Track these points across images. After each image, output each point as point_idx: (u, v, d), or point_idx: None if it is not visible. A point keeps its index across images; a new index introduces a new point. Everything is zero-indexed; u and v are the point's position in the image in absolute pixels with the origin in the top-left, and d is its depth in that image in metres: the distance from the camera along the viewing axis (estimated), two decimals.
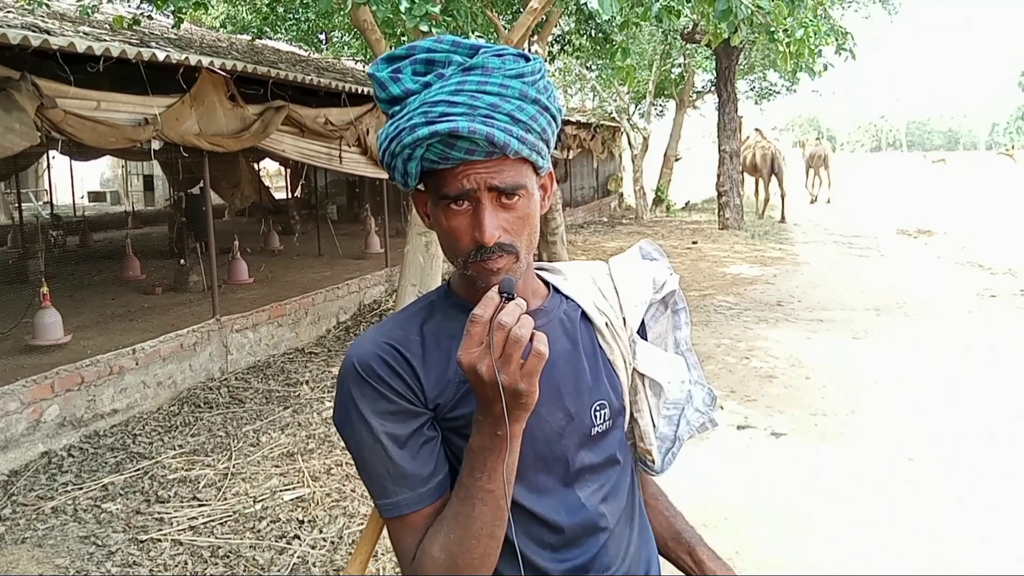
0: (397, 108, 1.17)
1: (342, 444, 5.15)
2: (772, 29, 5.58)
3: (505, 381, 1.04)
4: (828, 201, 22.19)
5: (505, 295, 1.07)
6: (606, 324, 1.35)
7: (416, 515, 1.18)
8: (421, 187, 1.23)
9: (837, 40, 7.19)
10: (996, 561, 3.69)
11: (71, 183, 18.99)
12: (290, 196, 18.50)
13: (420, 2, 4.70)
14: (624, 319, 1.37)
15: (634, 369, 1.37)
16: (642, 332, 1.44)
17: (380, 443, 1.18)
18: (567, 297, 1.36)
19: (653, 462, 1.42)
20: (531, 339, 1.04)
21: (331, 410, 5.77)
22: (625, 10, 5.82)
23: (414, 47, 1.18)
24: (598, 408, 1.29)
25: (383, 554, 3.75)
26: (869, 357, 7.17)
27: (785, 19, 5.52)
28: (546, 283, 1.38)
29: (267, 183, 18.99)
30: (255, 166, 15.95)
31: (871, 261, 13.35)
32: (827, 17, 8.08)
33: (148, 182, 22.29)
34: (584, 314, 1.35)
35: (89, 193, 24.88)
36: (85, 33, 5.95)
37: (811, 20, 5.97)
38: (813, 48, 6.01)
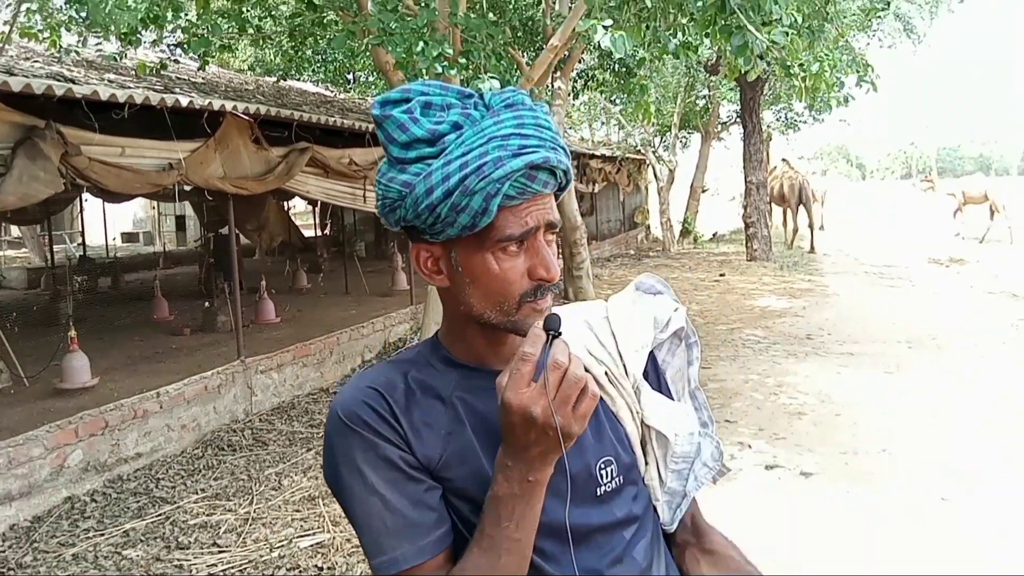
0: (428, 150, 1.10)
1: None
2: (788, 64, 5.56)
3: (561, 424, 0.99)
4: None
5: (551, 332, 1.03)
6: (605, 373, 1.28)
7: (419, 568, 1.10)
8: (427, 238, 1.15)
9: (858, 72, 7.15)
10: None
11: (104, 224, 19.26)
12: (318, 234, 18.65)
13: (435, 43, 4.73)
14: (624, 366, 1.30)
15: (641, 420, 1.30)
16: (657, 373, 1.37)
17: (375, 493, 1.11)
18: None
19: (660, 517, 1.33)
20: None
21: None
22: (641, 48, 5.82)
23: (408, 90, 1.14)
24: (603, 466, 1.22)
25: None
26: (901, 392, 7.03)
27: (800, 54, 5.50)
28: None
29: (297, 222, 19.16)
30: (284, 205, 16.09)
31: (902, 292, 13.16)
32: (848, 49, 8.05)
33: (180, 222, 22.54)
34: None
35: (122, 234, 25.26)
36: (110, 80, 6.05)
37: (826, 55, 5.94)
38: (830, 82, 5.98)
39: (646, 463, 1.32)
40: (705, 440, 1.35)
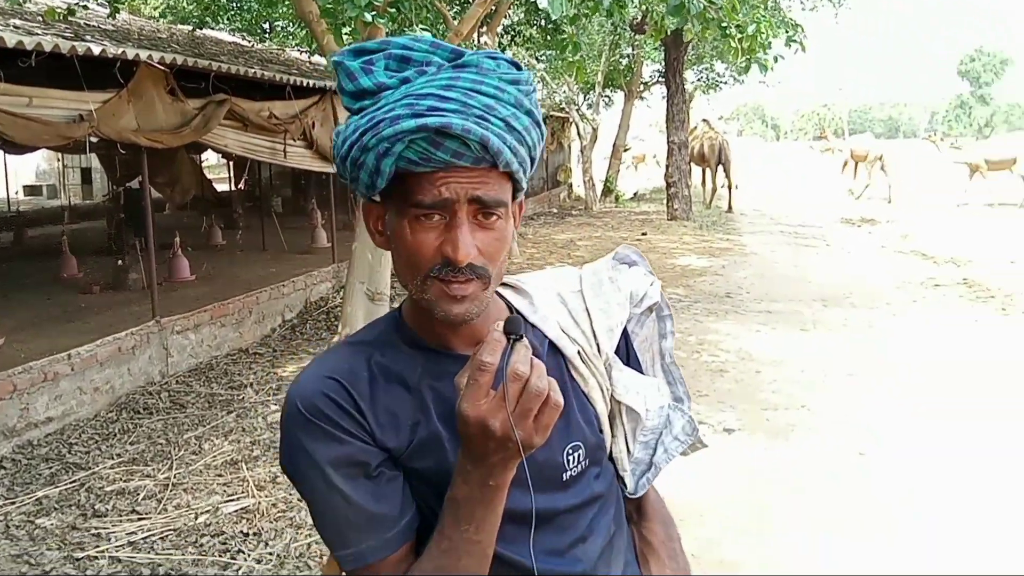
0: (368, 102, 1.05)
1: None
2: (724, 24, 5.55)
3: (521, 437, 0.94)
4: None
5: (512, 336, 0.95)
6: (579, 353, 1.24)
7: (382, 564, 1.08)
8: (376, 197, 1.11)
9: (788, 32, 7.22)
10: (947, 553, 3.70)
11: (4, 177, 18.38)
12: (233, 189, 18.14)
13: None
14: (598, 345, 1.25)
15: (611, 396, 1.27)
16: (628, 345, 1.32)
17: (336, 488, 1.07)
18: (532, 325, 1.23)
19: (626, 486, 1.32)
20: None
21: (276, 414, 5.64)
22: (575, 3, 5.74)
23: (388, 42, 1.08)
24: (571, 451, 1.19)
25: None
26: (818, 349, 7.22)
27: (736, 14, 5.49)
28: (509, 306, 1.24)
29: (209, 176, 18.60)
30: (196, 159, 15.60)
31: (817, 251, 13.51)
32: (777, 10, 8.11)
33: (86, 175, 21.69)
34: (552, 343, 1.23)
35: (24, 187, 24.15)
36: (16, 27, 5.70)
37: (763, 15, 5.96)
38: (764, 43, 6.01)
39: (613, 436, 1.29)
40: (676, 413, 1.34)
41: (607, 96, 23.81)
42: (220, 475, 4.74)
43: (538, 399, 0.93)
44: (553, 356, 1.22)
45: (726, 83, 22.62)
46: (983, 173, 20.07)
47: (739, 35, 5.65)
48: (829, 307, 9.01)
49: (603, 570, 1.22)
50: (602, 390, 1.25)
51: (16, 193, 20.70)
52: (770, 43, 6.46)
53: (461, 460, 1.01)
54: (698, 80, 22.95)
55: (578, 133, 21.56)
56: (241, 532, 4.05)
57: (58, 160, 21.87)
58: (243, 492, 4.49)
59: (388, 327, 1.20)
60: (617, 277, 1.33)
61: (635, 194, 25.00)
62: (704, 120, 20.67)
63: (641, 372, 1.32)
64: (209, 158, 20.28)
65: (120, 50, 5.76)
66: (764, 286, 10.30)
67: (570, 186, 25.44)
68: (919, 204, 20.42)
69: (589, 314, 1.27)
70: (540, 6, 4.65)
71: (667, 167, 17.46)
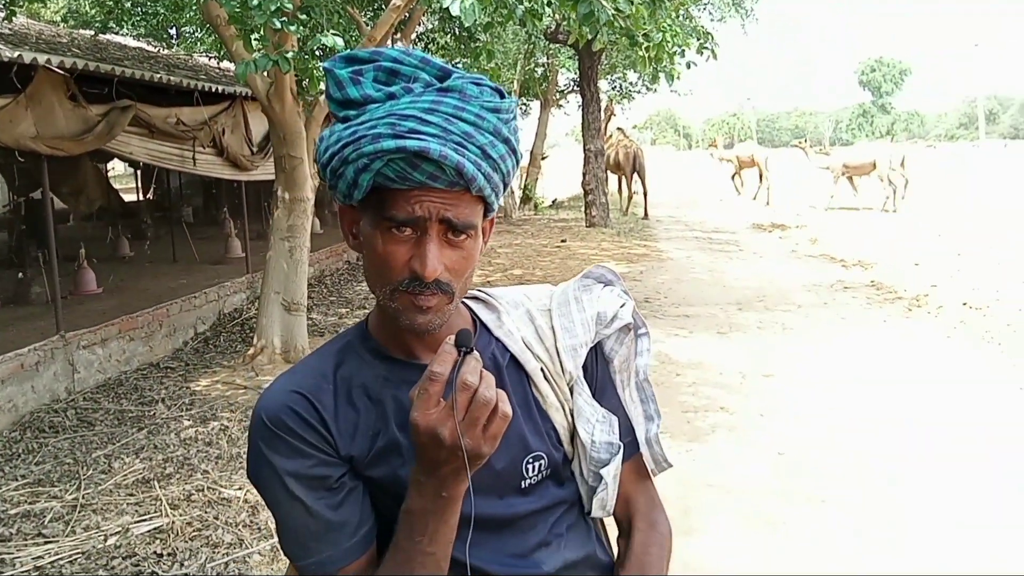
0: (353, 112, 1.08)
1: (203, 468, 4.86)
2: (632, 34, 5.60)
3: (469, 445, 0.97)
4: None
5: (463, 348, 0.99)
6: (541, 370, 1.26)
7: (343, 571, 1.12)
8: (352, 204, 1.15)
9: (699, 40, 7.35)
10: (863, 556, 3.79)
11: None
12: (141, 198, 17.60)
13: None
14: (561, 363, 1.28)
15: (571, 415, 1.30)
16: (597, 365, 1.34)
17: (297, 500, 1.11)
18: (497, 338, 1.26)
19: (584, 505, 1.34)
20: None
21: (189, 430, 5.47)
22: (488, 11, 5.74)
23: (379, 53, 1.11)
24: (531, 460, 1.22)
25: None
26: (735, 352, 7.34)
27: (645, 24, 5.54)
28: (474, 318, 1.28)
29: (116, 185, 18.01)
30: (102, 168, 15.07)
31: (730, 256, 13.79)
32: (688, 18, 8.25)
33: None
34: (514, 358, 1.26)
35: None
36: None
37: (669, 25, 6.04)
38: (672, 52, 6.09)
39: (575, 453, 1.32)
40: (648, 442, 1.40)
41: (524, 104, 23.93)
42: (132, 494, 4.55)
43: (486, 408, 0.97)
44: (515, 371, 1.26)
45: (639, 92, 22.97)
46: (842, 176, 21.17)
47: (646, 44, 5.72)
48: (744, 310, 9.18)
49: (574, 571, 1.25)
50: (564, 408, 1.28)
51: None
52: (682, 51, 6.56)
53: (415, 473, 1.04)
54: (611, 89, 23.24)
55: None
56: (155, 553, 3.89)
57: None
58: (156, 512, 4.31)
59: (354, 338, 1.23)
60: (583, 297, 1.35)
61: (554, 202, 25.16)
62: (619, 128, 20.92)
63: (615, 392, 1.36)
64: (116, 167, 19.65)
65: (16, 53, 5.51)
66: (681, 291, 10.45)
67: None
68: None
69: (554, 332, 1.29)
70: (452, 13, 4.62)
71: (584, 175, 17.61)
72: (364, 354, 1.21)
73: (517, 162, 1.17)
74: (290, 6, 4.79)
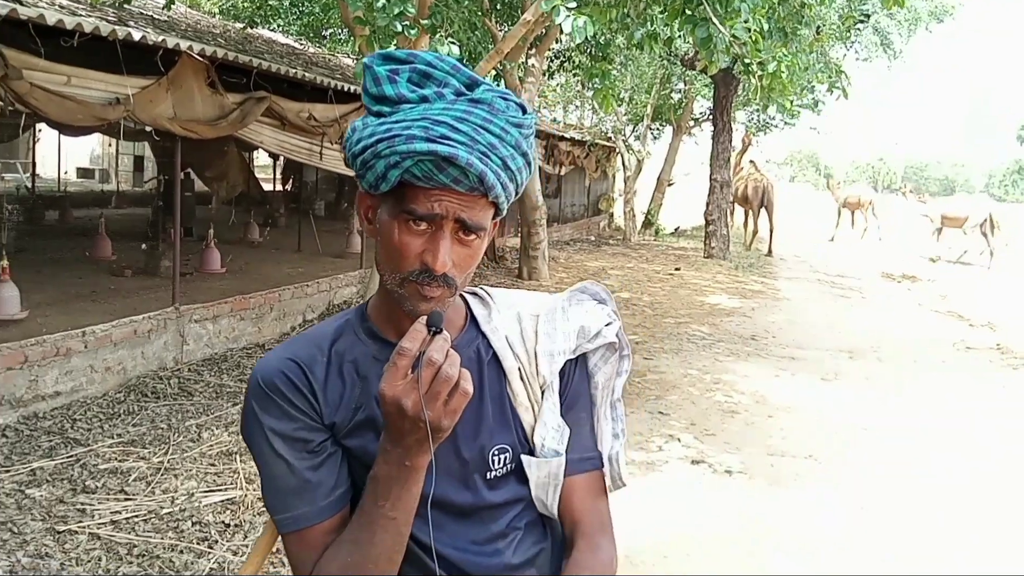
0: (387, 109, 1.16)
1: None
2: (748, 61, 5.50)
3: (431, 417, 1.04)
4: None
5: (433, 329, 1.07)
6: (519, 369, 1.33)
7: (313, 530, 1.19)
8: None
9: (830, 78, 7.13)
10: None
11: (58, 157, 18.78)
12: (280, 189, 18.35)
13: (395, 1, 4.59)
14: (537, 367, 1.34)
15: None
16: (572, 378, 1.39)
17: (281, 457, 1.20)
18: (483, 333, 1.34)
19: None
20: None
21: None
22: (602, 29, 5.74)
23: (415, 55, 1.18)
24: (498, 452, 1.29)
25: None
26: (835, 400, 7.08)
27: (760, 52, 5.44)
28: (468, 311, 1.37)
29: (258, 175, 18.85)
30: (247, 156, 15.80)
31: (851, 302, 13.29)
32: (823, 55, 8.01)
33: (138, 163, 22.07)
34: (496, 354, 1.33)
35: (78, 169, 24.67)
36: (61, 6, 5.83)
37: (786, 55, 5.89)
38: (788, 83, 5.94)
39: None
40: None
41: (656, 129, 23.77)
42: (213, 464, 4.75)
43: (447, 384, 1.04)
44: (495, 367, 1.33)
45: (777, 126, 22.44)
46: (942, 226, 21.69)
47: (759, 72, 5.60)
48: (855, 359, 8.84)
49: (524, 570, 1.31)
50: (533, 408, 1.34)
51: (65, 174, 21.14)
52: (811, 87, 6.38)
53: (383, 441, 1.11)
54: (749, 121, 22.79)
55: (623, 163, 21.52)
56: (222, 522, 4.05)
57: (110, 145, 22.29)
58: (231, 483, 4.50)
59: (353, 318, 1.32)
60: (570, 309, 1.41)
61: (676, 229, 24.86)
62: (751, 161, 20.50)
63: (587, 406, 1.41)
64: (260, 157, 20.56)
65: (161, 38, 5.86)
66: (792, 332, 10.15)
67: (611, 215, 25.37)
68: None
69: (536, 336, 1.36)
70: (564, 30, 4.66)
71: (707, 204, 17.33)
72: (360, 333, 1.29)
73: (530, 173, 1.23)
74: (413, 11, 4.92)
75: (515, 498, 1.31)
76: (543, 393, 1.34)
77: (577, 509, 1.35)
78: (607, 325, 1.39)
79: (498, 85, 1.26)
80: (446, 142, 1.10)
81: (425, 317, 1.08)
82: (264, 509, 4.10)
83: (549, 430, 1.33)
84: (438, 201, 1.13)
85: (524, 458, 1.32)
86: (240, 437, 5.12)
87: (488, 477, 1.28)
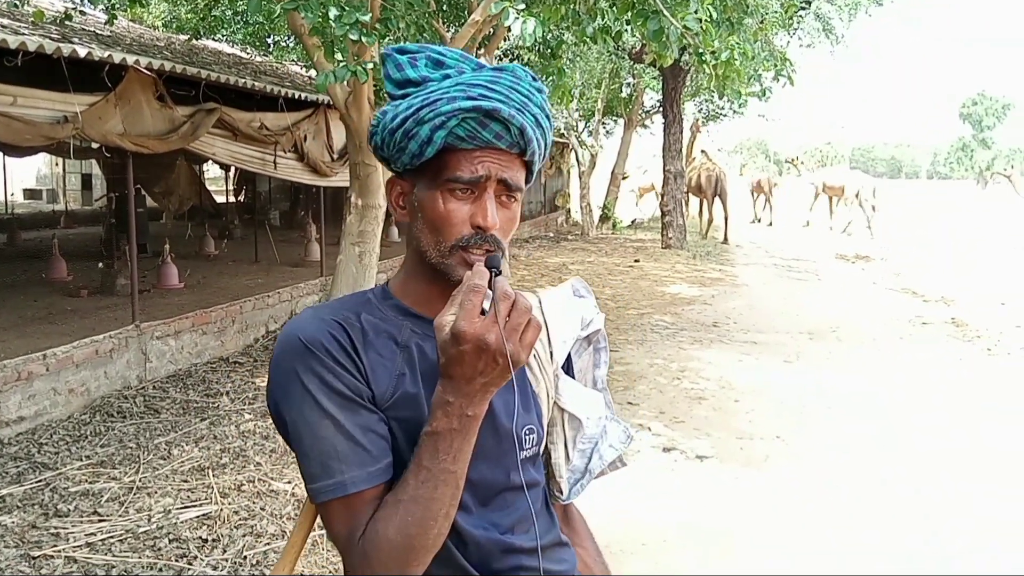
0: (413, 89, 1.20)
1: (256, 460, 5.00)
2: (701, 51, 5.59)
3: (512, 350, 1.03)
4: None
5: (493, 270, 1.08)
6: (534, 357, 1.35)
7: (363, 495, 1.14)
8: (399, 171, 1.26)
9: (776, 66, 7.25)
10: None
11: (3, 179, 18.41)
12: (232, 200, 18.18)
13: (350, 10, 4.58)
14: (551, 353, 1.38)
15: (555, 403, 1.39)
16: (567, 366, 1.45)
17: (330, 417, 1.15)
18: None
19: (561, 492, 1.43)
20: None
21: (250, 423, 5.62)
22: (552, 28, 5.79)
23: (425, 47, 1.24)
24: (528, 432, 1.30)
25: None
26: (799, 381, 7.20)
27: (713, 42, 5.53)
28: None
29: (209, 187, 18.65)
30: (196, 169, 15.63)
31: (808, 285, 13.51)
32: (768, 43, 8.14)
33: (86, 181, 21.73)
34: None
35: (24, 190, 24.22)
36: (2, 26, 5.72)
37: (737, 43, 5.99)
38: (741, 71, 6.05)
39: (552, 442, 1.41)
40: (612, 424, 1.45)
41: (607, 124, 23.91)
42: (186, 480, 4.71)
43: (526, 314, 1.05)
44: None
45: (725, 115, 22.71)
46: (818, 194, 24.61)
47: (713, 61, 5.70)
48: (815, 340, 8.99)
49: (547, 553, 1.31)
50: (548, 396, 1.37)
51: (12, 196, 20.73)
52: (758, 75, 6.50)
53: (440, 395, 1.08)
54: (698, 111, 23.03)
55: (577, 159, 21.63)
56: (200, 538, 4.02)
57: (57, 165, 21.90)
58: (206, 499, 4.46)
59: (375, 296, 1.30)
60: (570, 300, 1.47)
61: (632, 222, 25.04)
62: (703, 151, 20.71)
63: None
64: (211, 169, 20.35)
65: (107, 53, 5.78)
66: (752, 317, 10.29)
67: (568, 211, 25.49)
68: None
69: (547, 326, 1.39)
70: (513, 32, 4.70)
71: (663, 196, 17.49)
72: (386, 311, 1.27)
73: (551, 141, 1.29)
74: (368, 18, 4.92)
75: (533, 481, 1.32)
76: (556, 380, 1.39)
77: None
78: (597, 315, 1.47)
79: None
80: (486, 99, 1.15)
81: (484, 258, 1.13)
82: (241, 522, 4.10)
83: (590, 400, 1.42)
84: (481, 163, 1.17)
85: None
86: (211, 452, 5.08)
87: (521, 457, 1.28)
